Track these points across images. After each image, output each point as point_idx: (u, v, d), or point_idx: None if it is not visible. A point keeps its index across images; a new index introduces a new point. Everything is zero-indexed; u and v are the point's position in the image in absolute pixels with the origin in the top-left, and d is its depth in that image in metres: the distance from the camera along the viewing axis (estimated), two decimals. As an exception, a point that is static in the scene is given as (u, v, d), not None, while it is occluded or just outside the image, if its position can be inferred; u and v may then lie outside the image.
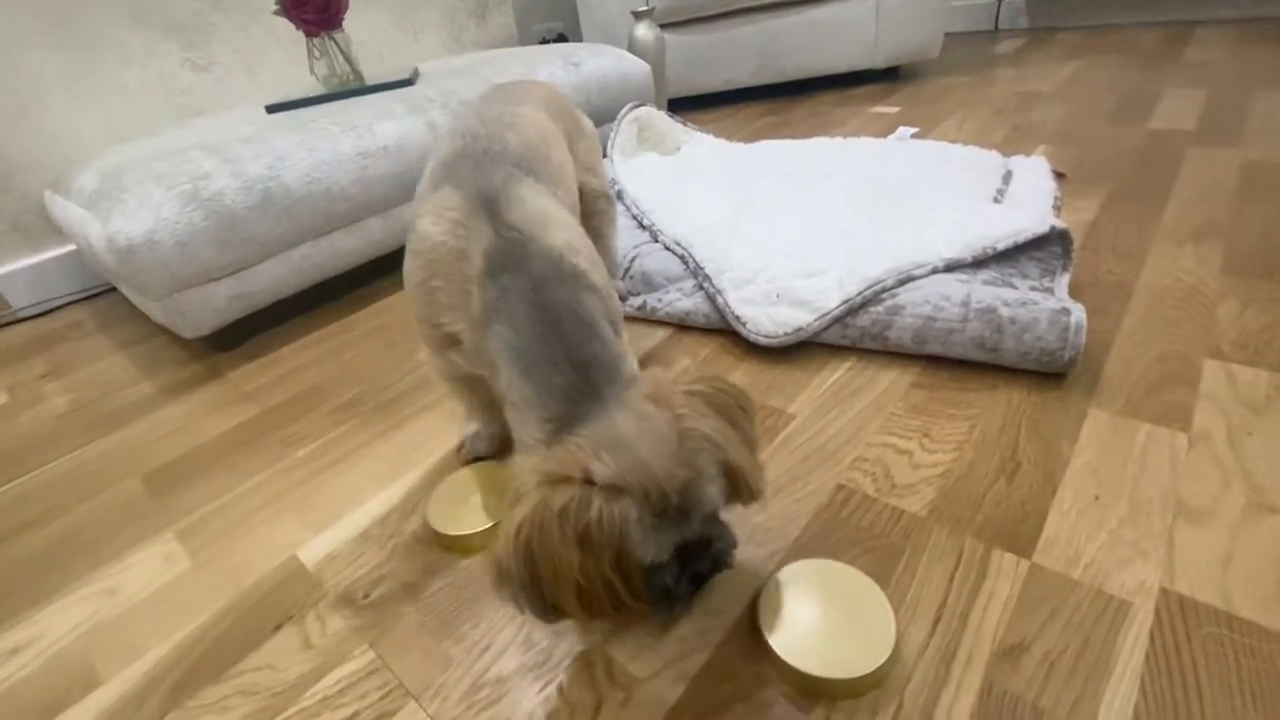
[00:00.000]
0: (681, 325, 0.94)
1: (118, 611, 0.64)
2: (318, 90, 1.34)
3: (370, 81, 1.34)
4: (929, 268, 0.80)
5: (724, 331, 0.90)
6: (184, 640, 0.59)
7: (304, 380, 0.97)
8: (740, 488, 0.45)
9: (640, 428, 0.42)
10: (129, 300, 1.29)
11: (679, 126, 1.51)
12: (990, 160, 1.19)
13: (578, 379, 0.46)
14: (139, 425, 0.93)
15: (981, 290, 0.75)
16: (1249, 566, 0.51)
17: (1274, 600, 0.48)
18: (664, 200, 1.14)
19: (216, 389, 0.99)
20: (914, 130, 1.54)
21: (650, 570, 0.43)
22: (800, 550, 0.57)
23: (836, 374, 0.79)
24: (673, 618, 0.53)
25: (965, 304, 0.74)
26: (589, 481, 0.40)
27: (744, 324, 0.85)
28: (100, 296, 1.47)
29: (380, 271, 1.30)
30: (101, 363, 1.14)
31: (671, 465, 0.41)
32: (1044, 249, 0.83)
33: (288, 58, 1.65)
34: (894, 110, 1.78)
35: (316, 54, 1.33)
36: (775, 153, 1.35)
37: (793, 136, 1.63)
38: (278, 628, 0.58)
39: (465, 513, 0.64)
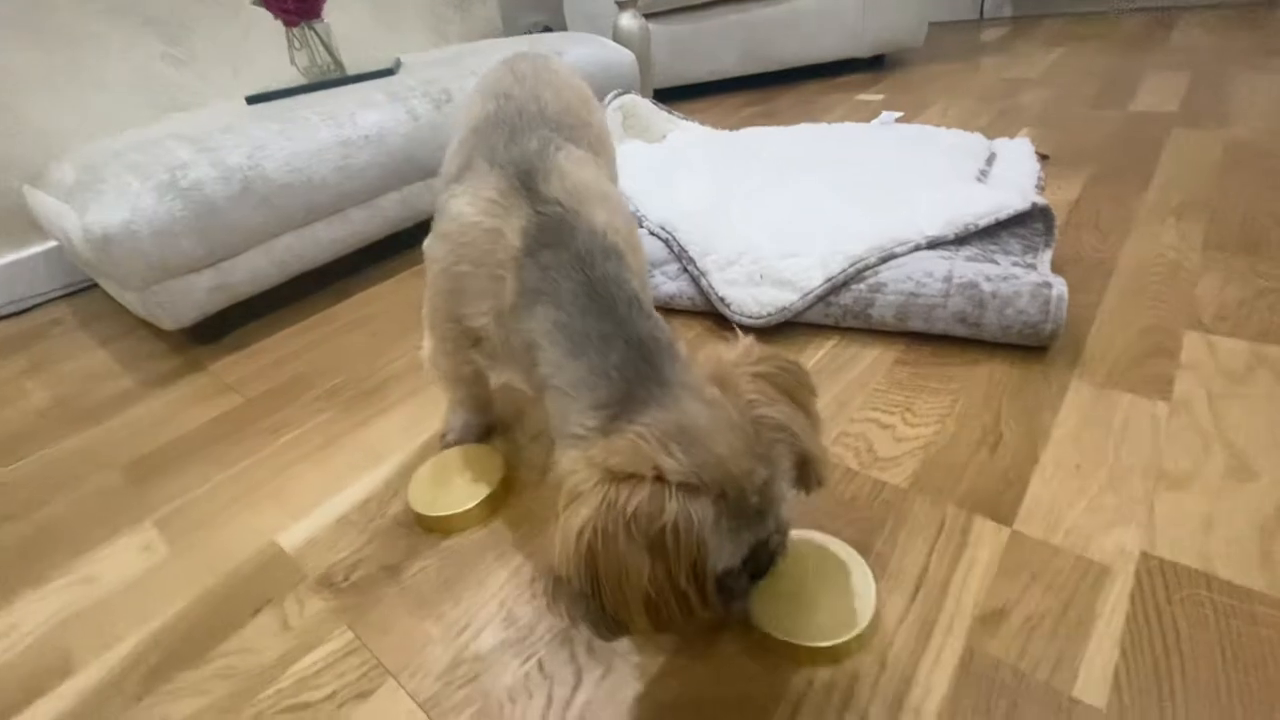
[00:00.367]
0: (667, 308, 0.94)
1: (95, 600, 0.63)
2: (299, 82, 1.33)
3: (352, 72, 1.33)
4: (911, 245, 0.80)
5: (709, 314, 0.90)
6: (161, 626, 0.58)
7: (287, 371, 0.96)
8: (808, 476, 0.42)
9: (712, 417, 0.37)
10: (111, 296, 1.28)
11: (664, 114, 1.51)
12: (974, 143, 1.19)
13: (635, 356, 0.41)
14: (120, 418, 0.92)
15: (964, 266, 0.75)
16: (1229, 530, 0.51)
17: (1254, 562, 0.48)
18: (649, 186, 1.14)
19: (198, 381, 0.98)
20: (897, 115, 1.54)
21: (722, 576, 0.38)
22: (782, 524, 0.57)
23: (821, 352, 0.79)
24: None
25: (947, 280, 0.74)
26: (659, 479, 0.35)
27: (728, 305, 0.84)
28: (83, 293, 1.45)
29: (364, 262, 1.29)
30: (83, 358, 1.13)
31: (749, 460, 0.37)
32: (1026, 226, 0.83)
33: (269, 50, 1.64)
34: (879, 98, 1.78)
35: (297, 45, 1.31)
36: (760, 139, 1.34)
37: (778, 125, 1.63)
38: (256, 612, 0.58)
39: (446, 494, 0.64)
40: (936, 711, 0.42)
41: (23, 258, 1.39)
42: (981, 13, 2.63)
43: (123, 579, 0.64)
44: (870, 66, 2.13)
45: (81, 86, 1.40)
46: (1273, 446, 0.57)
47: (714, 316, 0.89)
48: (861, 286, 0.79)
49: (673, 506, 0.34)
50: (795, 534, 0.54)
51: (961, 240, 0.82)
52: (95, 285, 1.45)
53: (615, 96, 1.40)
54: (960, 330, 0.74)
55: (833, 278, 0.79)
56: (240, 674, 0.53)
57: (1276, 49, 1.65)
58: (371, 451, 0.75)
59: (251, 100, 1.25)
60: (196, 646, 0.56)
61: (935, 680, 0.44)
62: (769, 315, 0.81)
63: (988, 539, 0.53)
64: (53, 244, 1.41)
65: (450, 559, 0.59)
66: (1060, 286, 0.69)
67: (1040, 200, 0.81)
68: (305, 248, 1.11)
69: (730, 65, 2.07)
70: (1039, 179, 1.08)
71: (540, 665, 0.49)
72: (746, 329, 0.84)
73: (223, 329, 1.10)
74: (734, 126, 1.68)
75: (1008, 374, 0.70)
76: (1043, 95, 1.59)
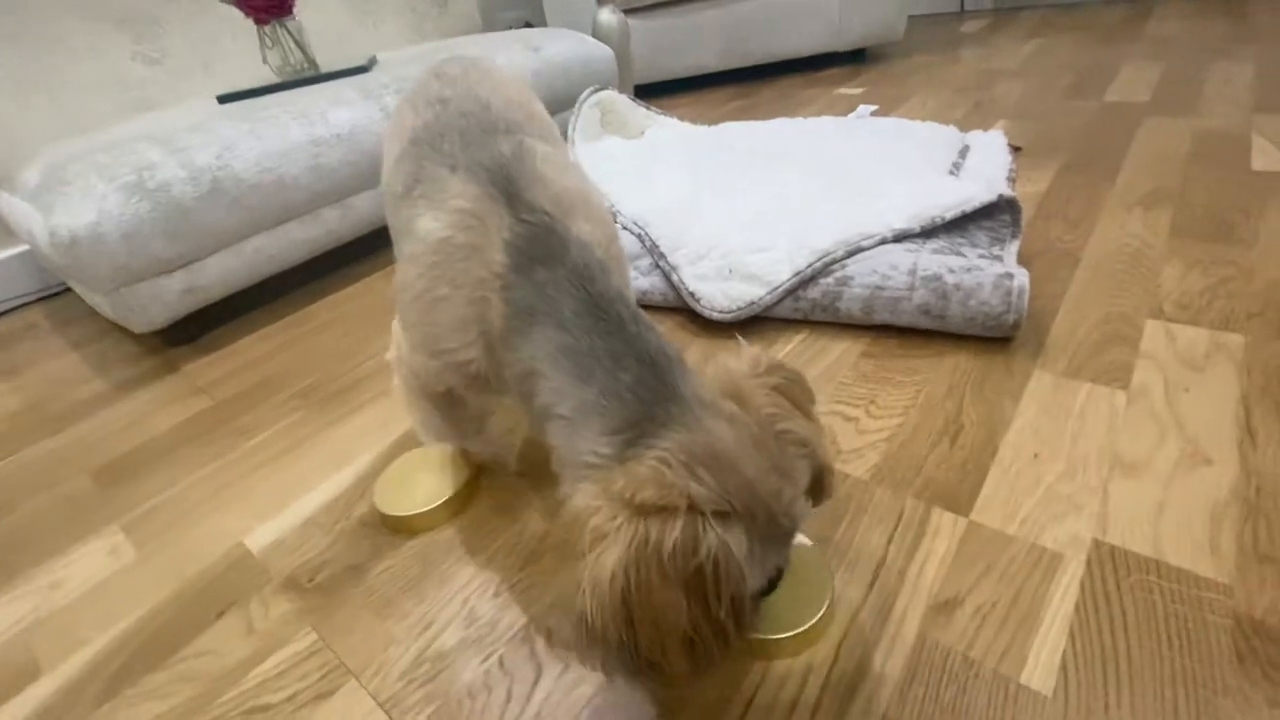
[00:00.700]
0: (640, 305, 0.93)
1: (61, 605, 0.62)
2: (272, 80, 1.32)
3: (327, 70, 1.32)
4: (877, 238, 0.80)
5: (680, 309, 0.90)
6: (126, 630, 0.58)
7: (258, 372, 0.95)
8: (819, 488, 0.40)
9: (736, 436, 0.35)
10: (84, 299, 1.26)
11: (642, 110, 1.50)
12: (948, 135, 1.20)
13: (649, 374, 0.37)
14: (90, 422, 0.91)
15: (929, 259, 0.76)
16: (1180, 516, 0.51)
17: (1203, 548, 0.49)
18: (626, 182, 1.14)
19: (170, 383, 0.97)
20: (873, 108, 1.54)
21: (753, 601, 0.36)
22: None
23: (789, 346, 0.79)
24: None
25: (912, 272, 0.75)
26: (691, 508, 0.32)
27: (698, 300, 0.85)
28: (56, 297, 1.44)
29: (337, 262, 1.28)
30: (55, 362, 1.12)
31: (777, 479, 0.35)
32: (994, 218, 0.84)
33: (242, 49, 1.62)
34: (859, 91, 1.78)
35: (269, 43, 1.30)
36: (737, 134, 1.34)
37: (759, 119, 1.63)
38: (220, 614, 0.58)
39: (412, 494, 0.64)
40: (887, 700, 0.43)
41: (-5, 261, 1.37)
42: (962, 5, 2.63)
43: (89, 583, 0.64)
44: (851, 60, 2.13)
45: (50, 87, 1.38)
46: (1227, 433, 0.58)
47: (685, 312, 0.89)
48: (829, 280, 0.79)
49: (710, 539, 0.32)
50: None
51: (929, 233, 0.82)
52: (69, 289, 1.44)
53: (591, 93, 1.39)
54: (925, 322, 0.75)
55: (800, 272, 0.80)
56: (203, 677, 0.53)
57: (1249, 37, 1.66)
58: (340, 452, 0.75)
59: (223, 99, 1.24)
60: (161, 650, 0.56)
61: (888, 669, 0.45)
62: (738, 310, 0.82)
63: (945, 529, 0.53)
64: (25, 248, 1.39)
65: (415, 558, 0.60)
66: (1022, 277, 0.70)
67: (1007, 192, 0.81)
68: (278, 248, 1.10)
69: (712, 61, 2.07)
70: (1011, 171, 1.08)
71: (501, 662, 0.49)
72: (717, 324, 0.85)
73: (196, 331, 1.10)
74: (715, 122, 1.68)
75: (972, 365, 0.71)
76: (1019, 87, 1.59)
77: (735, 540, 0.32)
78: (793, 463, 0.36)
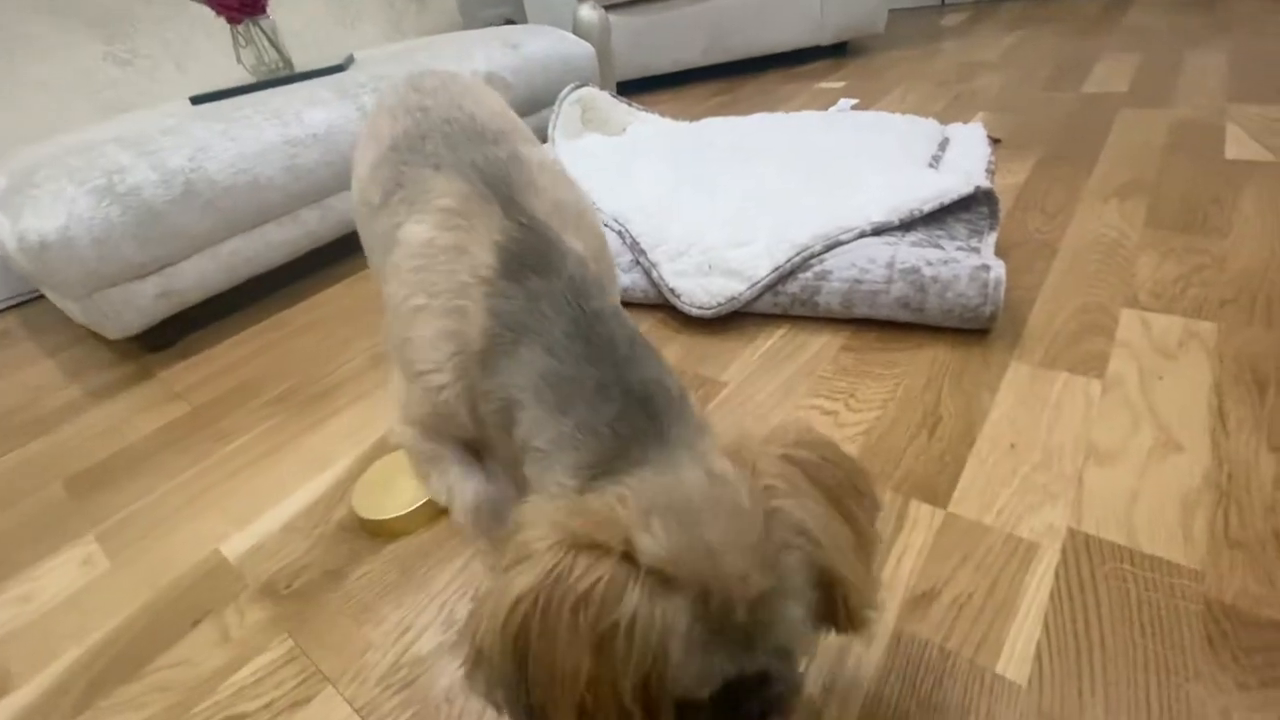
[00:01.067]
0: (621, 302, 0.93)
1: (34, 617, 0.61)
2: (247, 80, 1.30)
3: (303, 69, 1.31)
4: (856, 232, 0.80)
5: (661, 306, 0.90)
6: (99, 641, 0.57)
7: (236, 377, 0.94)
8: (839, 608, 0.31)
9: (713, 494, 0.29)
10: (57, 306, 1.25)
11: (623, 107, 1.50)
12: (928, 128, 1.20)
13: (635, 410, 0.33)
14: (64, 430, 0.90)
15: (906, 252, 0.76)
16: (1153, 504, 0.52)
17: (1176, 535, 0.49)
18: (608, 179, 1.13)
19: (147, 389, 0.96)
20: (854, 102, 1.55)
21: (682, 707, 0.29)
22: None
23: (770, 341, 0.79)
24: None
25: (890, 266, 0.75)
26: (628, 557, 0.27)
27: (678, 296, 0.84)
28: (30, 304, 1.41)
29: (316, 264, 1.27)
30: (29, 369, 1.10)
31: (746, 560, 0.27)
32: (972, 210, 0.84)
33: (216, 49, 1.60)
34: (840, 85, 1.79)
35: (242, 42, 1.29)
36: (718, 130, 1.34)
37: (741, 114, 1.63)
38: (196, 623, 0.57)
39: (390, 498, 0.63)
40: (864, 692, 0.43)
41: (-34, 268, 1.35)
42: (943, -3, 2.64)
43: (62, 594, 0.63)
44: (832, 54, 2.13)
45: (19, 88, 1.35)
46: (1199, 420, 0.58)
47: (666, 308, 0.89)
48: (808, 275, 0.79)
49: (633, 597, 0.26)
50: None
51: (907, 226, 0.82)
52: (43, 295, 1.42)
53: (571, 90, 1.38)
54: (904, 315, 0.75)
55: (779, 267, 0.80)
56: (178, 686, 0.52)
57: (1224, 27, 1.68)
58: (319, 457, 0.75)
59: (196, 100, 1.22)
60: (135, 660, 0.55)
61: (865, 661, 0.45)
62: (718, 305, 0.82)
63: (923, 522, 0.54)
64: (-3, 253, 1.37)
65: (393, 563, 0.59)
66: (998, 269, 0.70)
67: (984, 184, 0.81)
68: (255, 250, 1.09)
69: (694, 56, 2.06)
70: (990, 163, 1.09)
71: (479, 665, 0.49)
72: (698, 320, 0.84)
73: (173, 336, 1.08)
74: (698, 117, 1.67)
75: (950, 357, 0.71)
76: (999, 79, 1.60)
77: (669, 613, 0.27)
78: (779, 550, 0.29)
